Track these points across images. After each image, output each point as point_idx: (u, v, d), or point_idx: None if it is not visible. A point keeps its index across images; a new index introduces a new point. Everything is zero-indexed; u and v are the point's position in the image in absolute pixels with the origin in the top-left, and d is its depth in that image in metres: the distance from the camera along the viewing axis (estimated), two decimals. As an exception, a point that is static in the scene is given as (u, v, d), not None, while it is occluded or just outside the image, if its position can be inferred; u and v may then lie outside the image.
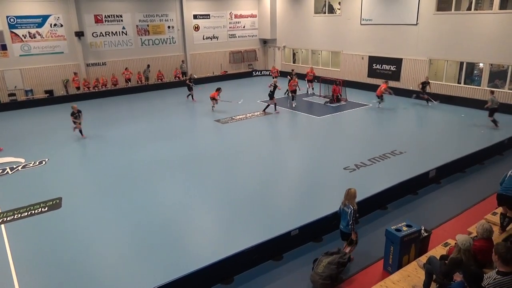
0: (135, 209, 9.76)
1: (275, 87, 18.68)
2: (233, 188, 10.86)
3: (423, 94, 19.52)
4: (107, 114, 19.97)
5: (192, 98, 22.21)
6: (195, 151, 13.94)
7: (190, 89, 22.19)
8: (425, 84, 19.35)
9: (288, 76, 22.05)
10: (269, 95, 18.76)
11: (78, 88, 23.61)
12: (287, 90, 21.00)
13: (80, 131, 15.76)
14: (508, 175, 7.33)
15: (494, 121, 15.49)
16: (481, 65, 19.65)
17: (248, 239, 7.73)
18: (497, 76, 19.27)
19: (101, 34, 24.61)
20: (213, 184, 11.11)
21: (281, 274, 7.18)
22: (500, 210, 7.62)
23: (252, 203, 9.92)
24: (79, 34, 23.46)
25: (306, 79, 23.22)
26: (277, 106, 18.96)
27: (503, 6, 18.01)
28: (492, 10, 18.21)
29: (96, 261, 7.74)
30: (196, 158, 13.22)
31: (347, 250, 7.16)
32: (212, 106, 19.52)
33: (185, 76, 27.48)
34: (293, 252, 7.77)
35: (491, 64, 18.89)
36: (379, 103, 19.52)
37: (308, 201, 10.06)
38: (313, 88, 23.33)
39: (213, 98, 19.35)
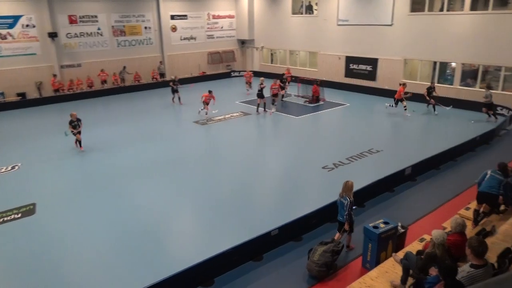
0: (113, 213, 9.59)
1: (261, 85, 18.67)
2: (213, 190, 10.80)
3: (429, 100, 17.87)
4: (83, 116, 19.47)
5: (179, 101, 21.09)
6: (174, 153, 13.81)
7: (174, 91, 21.01)
8: (430, 89, 17.82)
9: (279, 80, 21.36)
10: (258, 94, 18.65)
11: (57, 90, 23.01)
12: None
13: (79, 143, 14.24)
14: (489, 174, 7.52)
15: (490, 115, 16.21)
16: (453, 64, 20.20)
17: (228, 240, 7.71)
18: (469, 75, 19.86)
19: (76, 35, 24.09)
20: (192, 186, 11.02)
21: (262, 274, 7.19)
22: (473, 205, 7.86)
23: (231, 204, 9.90)
24: (53, 35, 22.89)
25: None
26: (259, 109, 18.93)
27: (473, 7, 18.58)
28: (463, 11, 18.76)
29: (73, 267, 7.57)
30: (174, 160, 13.09)
31: (337, 237, 7.40)
32: (202, 109, 18.06)
33: (163, 78, 27.20)
34: (273, 252, 7.79)
35: (463, 64, 19.45)
36: (392, 106, 18.06)
37: (287, 200, 10.11)
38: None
39: (206, 103, 17.91)
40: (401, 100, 17.65)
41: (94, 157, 13.52)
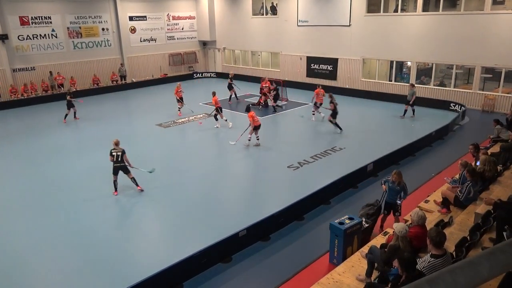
0: (72, 221, 9.25)
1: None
2: (178, 193, 10.65)
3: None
4: (38, 122, 18.66)
5: (75, 116, 18.16)
6: (138, 157, 13.43)
7: (70, 106, 17.71)
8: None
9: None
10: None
11: None
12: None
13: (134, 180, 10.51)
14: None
15: (412, 110, 16.81)
16: (409, 63, 21.05)
17: (196, 243, 7.64)
18: (423, 73, 20.77)
19: (28, 37, 23.00)
20: (157, 190, 10.82)
21: (231, 275, 7.18)
22: (432, 198, 8.24)
23: (198, 206, 9.81)
24: (3, 37, 21.74)
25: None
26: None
27: (425, 8, 19.45)
28: (416, 12, 19.58)
29: (32, 281, 7.23)
30: (138, 164, 12.76)
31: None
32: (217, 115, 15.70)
33: (124, 80, 26.49)
34: (241, 253, 7.79)
35: (418, 63, 20.31)
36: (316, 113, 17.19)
37: (254, 201, 10.16)
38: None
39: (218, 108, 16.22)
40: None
41: (51, 162, 12.95)
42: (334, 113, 15.12)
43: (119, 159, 10.15)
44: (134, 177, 10.46)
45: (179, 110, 18.72)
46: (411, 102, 16.61)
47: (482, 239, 6.09)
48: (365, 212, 7.85)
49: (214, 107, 16.32)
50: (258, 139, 14.02)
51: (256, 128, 13.83)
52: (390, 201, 7.96)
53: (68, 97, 17.74)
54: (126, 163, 10.33)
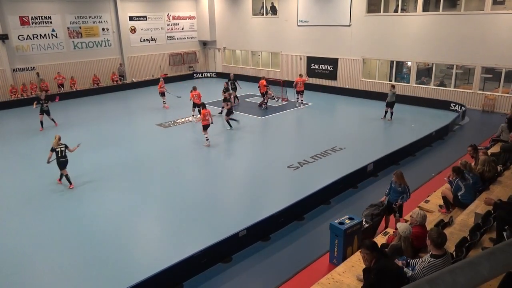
0: (72, 223, 9.25)
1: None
2: (178, 193, 10.66)
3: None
4: (38, 122, 18.64)
5: (41, 126, 16.81)
6: (138, 157, 13.49)
7: (43, 112, 16.59)
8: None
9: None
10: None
11: None
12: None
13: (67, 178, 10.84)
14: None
15: (390, 113, 16.68)
16: (409, 63, 21.04)
17: (196, 243, 7.63)
18: (424, 73, 20.76)
19: (29, 37, 22.99)
20: (157, 190, 10.83)
21: (231, 275, 7.18)
22: (432, 198, 8.23)
23: (198, 206, 9.81)
24: (3, 37, 21.73)
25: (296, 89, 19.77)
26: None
27: (425, 8, 19.45)
28: (416, 12, 19.58)
29: (32, 282, 7.23)
30: (138, 164, 12.80)
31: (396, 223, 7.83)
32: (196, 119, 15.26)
33: (124, 80, 26.48)
34: (242, 253, 7.79)
35: (418, 63, 20.30)
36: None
37: (254, 201, 10.15)
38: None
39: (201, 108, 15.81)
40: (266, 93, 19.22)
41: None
42: (229, 112, 16.32)
43: (63, 153, 10.68)
44: (68, 174, 10.85)
45: (164, 103, 20.05)
46: (388, 102, 16.49)
47: (482, 239, 6.08)
48: (369, 212, 7.84)
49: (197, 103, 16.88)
50: (207, 140, 14.20)
51: (204, 127, 14.05)
52: (393, 201, 7.95)
53: (34, 103, 16.67)
54: (70, 152, 10.84)
